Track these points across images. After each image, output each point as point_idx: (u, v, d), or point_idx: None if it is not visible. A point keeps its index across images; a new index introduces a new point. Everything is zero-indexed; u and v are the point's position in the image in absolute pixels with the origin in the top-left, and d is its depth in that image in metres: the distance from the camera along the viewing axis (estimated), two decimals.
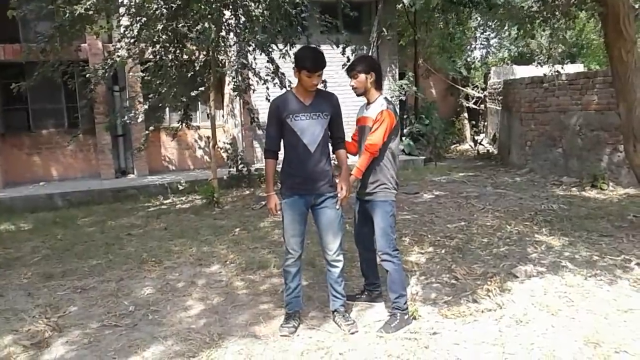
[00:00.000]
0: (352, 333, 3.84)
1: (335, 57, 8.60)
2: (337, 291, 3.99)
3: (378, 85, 3.99)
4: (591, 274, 4.77)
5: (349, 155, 4.10)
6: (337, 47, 8.50)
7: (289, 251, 3.90)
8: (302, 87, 3.79)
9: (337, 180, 3.88)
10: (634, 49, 5.77)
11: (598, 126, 9.28)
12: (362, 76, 3.90)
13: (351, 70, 3.95)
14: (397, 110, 4.05)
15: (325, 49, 8.41)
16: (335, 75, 8.31)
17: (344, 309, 4.05)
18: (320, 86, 3.85)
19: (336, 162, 3.99)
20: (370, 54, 12.80)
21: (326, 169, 3.84)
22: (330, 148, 3.97)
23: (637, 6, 6.68)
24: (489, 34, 16.77)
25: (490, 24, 13.57)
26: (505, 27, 10.85)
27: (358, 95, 4.02)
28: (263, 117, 11.84)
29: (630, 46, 5.72)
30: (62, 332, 4.06)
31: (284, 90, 8.15)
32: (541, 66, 9.23)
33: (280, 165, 3.91)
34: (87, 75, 8.12)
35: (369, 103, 4.01)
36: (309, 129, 3.76)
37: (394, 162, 4.00)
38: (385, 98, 4.01)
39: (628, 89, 5.78)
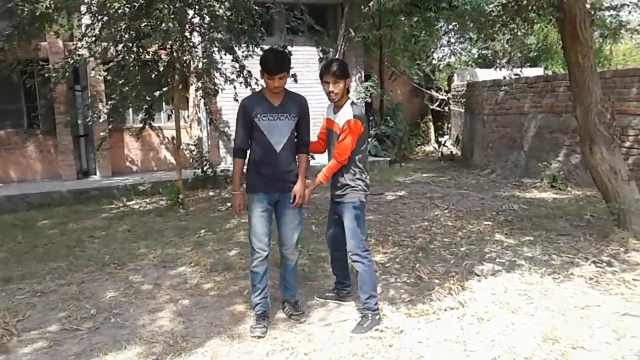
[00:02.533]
0: (300, 322, 4.02)
1: (300, 58, 8.66)
2: (290, 282, 4.18)
3: (347, 90, 4.04)
4: (550, 272, 4.90)
5: (314, 154, 4.16)
6: (310, 43, 8.48)
7: (256, 250, 3.94)
8: (268, 88, 3.86)
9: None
10: (590, 54, 5.94)
11: (557, 128, 9.54)
12: (342, 82, 3.91)
13: (332, 76, 3.88)
14: (364, 115, 4.08)
15: (295, 49, 8.50)
16: (301, 77, 8.32)
17: (294, 300, 4.20)
18: (290, 81, 3.89)
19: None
20: (337, 56, 12.87)
21: (291, 168, 3.93)
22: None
23: (592, 12, 6.87)
24: (452, 37, 17.03)
25: (452, 27, 13.78)
26: (467, 31, 11.04)
27: (334, 100, 4.00)
28: (229, 117, 11.89)
29: (587, 51, 5.90)
30: (21, 336, 3.96)
31: (249, 89, 8.14)
32: (501, 70, 9.42)
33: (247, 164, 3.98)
34: (47, 75, 7.94)
35: (337, 106, 4.03)
36: (276, 129, 3.83)
37: (364, 165, 4.06)
38: (353, 103, 4.04)
39: (584, 92, 5.96)
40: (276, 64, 3.76)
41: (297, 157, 4.01)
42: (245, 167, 3.99)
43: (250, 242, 4.00)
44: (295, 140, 3.99)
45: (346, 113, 3.92)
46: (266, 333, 3.89)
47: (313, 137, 4.15)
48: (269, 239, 3.97)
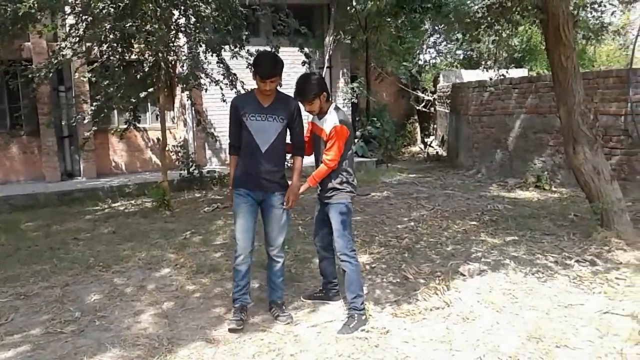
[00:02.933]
0: (288, 323, 4.02)
1: (287, 59, 8.63)
2: (276, 283, 4.17)
3: (328, 98, 4.04)
4: (534, 272, 4.94)
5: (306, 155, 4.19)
6: (295, 46, 8.49)
7: (239, 247, 3.99)
8: (259, 90, 3.90)
9: (288, 182, 4.05)
10: (573, 55, 6.00)
11: (541, 129, 9.62)
12: (316, 101, 3.93)
13: (305, 100, 3.91)
14: (349, 118, 4.10)
15: (280, 50, 8.47)
16: (287, 78, 8.30)
17: (281, 302, 4.22)
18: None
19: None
20: (325, 57, 12.88)
21: (275, 169, 3.96)
22: (288, 153, 4.11)
23: (575, 13, 6.95)
24: (438, 38, 17.13)
25: (438, 28, 13.87)
26: (453, 32, 11.11)
27: (314, 115, 4.04)
28: (215, 117, 11.84)
29: (570, 52, 5.96)
30: (4, 340, 3.92)
31: (234, 92, 8.11)
32: (487, 71, 9.50)
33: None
34: (30, 75, 7.85)
35: (320, 113, 4.04)
36: (263, 130, 3.88)
37: (351, 167, 4.09)
38: (336, 107, 4.05)
39: (568, 93, 6.02)
40: (269, 69, 3.80)
41: (291, 159, 4.10)
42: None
43: (235, 239, 4.04)
44: (288, 142, 4.06)
45: (331, 119, 3.95)
46: (242, 326, 3.94)
47: None
48: (253, 236, 4.02)
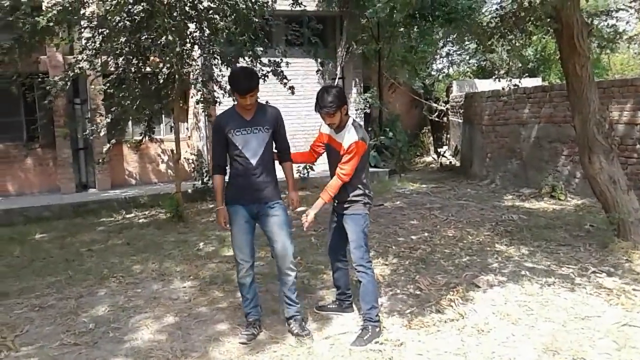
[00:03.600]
0: (308, 339, 3.95)
1: (300, 70, 8.69)
2: (291, 299, 4.09)
3: (347, 112, 4.04)
4: (550, 283, 4.88)
5: (309, 165, 4.19)
6: (309, 55, 8.56)
7: (239, 262, 4.01)
8: (240, 105, 3.92)
9: (287, 192, 4.10)
10: (587, 64, 5.96)
11: (555, 138, 9.55)
12: (338, 114, 3.91)
13: (326, 114, 3.88)
14: (366, 134, 4.09)
15: (294, 61, 8.54)
16: (300, 88, 8.35)
17: (300, 317, 4.14)
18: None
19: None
20: (338, 68, 12.90)
21: (267, 179, 3.97)
22: (277, 160, 4.13)
23: (590, 22, 6.91)
24: (450, 48, 17.13)
25: (450, 38, 13.86)
26: (465, 42, 11.09)
27: (333, 128, 4.02)
28: None
29: (584, 61, 5.92)
30: (19, 352, 3.94)
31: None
32: (499, 80, 9.47)
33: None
34: (47, 88, 7.96)
35: (338, 127, 4.02)
36: (250, 143, 3.90)
37: (366, 178, 4.08)
38: (354, 122, 4.04)
39: (583, 102, 5.97)
40: (246, 84, 3.81)
41: (281, 165, 4.11)
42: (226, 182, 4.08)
43: (234, 254, 4.05)
44: (275, 151, 4.07)
45: (352, 135, 3.93)
46: (253, 340, 3.93)
47: (292, 143, 4.17)
48: (251, 249, 4.03)
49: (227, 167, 4.08)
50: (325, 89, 3.98)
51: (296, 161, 4.29)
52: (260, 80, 8.01)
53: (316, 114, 3.98)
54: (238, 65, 8.33)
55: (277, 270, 4.13)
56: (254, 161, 3.89)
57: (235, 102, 4.01)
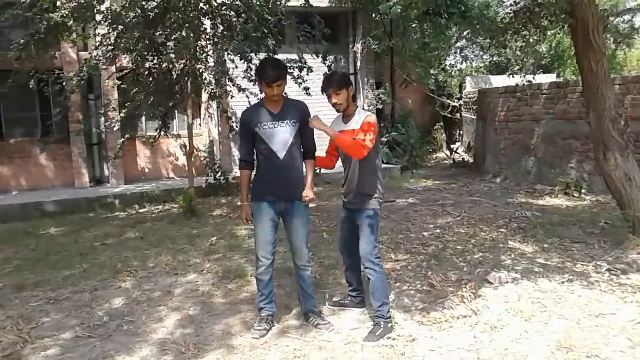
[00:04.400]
0: (330, 331, 3.97)
1: (313, 67, 8.69)
2: (309, 293, 4.14)
3: (354, 98, 4.06)
4: (564, 280, 4.85)
5: (324, 169, 4.20)
6: (317, 57, 8.58)
7: (260, 259, 4.01)
8: (267, 96, 3.90)
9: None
10: (603, 60, 5.91)
11: (570, 135, 9.47)
12: (344, 92, 3.93)
13: (332, 89, 3.91)
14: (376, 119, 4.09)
15: (306, 58, 8.54)
16: (313, 85, 8.35)
17: (319, 310, 4.19)
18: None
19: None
20: (356, 64, 12.90)
21: (296, 175, 3.96)
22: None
23: (605, 18, 6.84)
24: (464, 44, 17.03)
25: (464, 34, 13.80)
26: (479, 38, 11.03)
27: (341, 111, 4.04)
28: None
29: (600, 57, 5.86)
30: (35, 344, 3.99)
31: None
32: (514, 77, 9.40)
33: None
34: (63, 84, 8.03)
35: (346, 116, 4.04)
36: (277, 136, 3.88)
37: (379, 172, 4.07)
38: (364, 109, 4.07)
39: (598, 98, 5.91)
40: (274, 73, 3.81)
41: (304, 163, 4.05)
42: (253, 178, 4.07)
43: (256, 250, 4.06)
44: (301, 147, 4.03)
45: (362, 114, 3.96)
46: (265, 336, 3.95)
47: (322, 149, 4.16)
48: (273, 247, 4.03)
49: (254, 162, 4.06)
50: (331, 72, 4.02)
51: (317, 164, 4.23)
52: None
53: (331, 109, 3.99)
54: (252, 61, 8.36)
55: (293, 266, 4.15)
56: (281, 155, 3.88)
57: (261, 97, 4.01)
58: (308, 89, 8.28)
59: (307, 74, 8.36)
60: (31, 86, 7.80)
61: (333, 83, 3.93)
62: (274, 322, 4.13)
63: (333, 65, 8.67)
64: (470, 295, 4.55)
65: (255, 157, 4.05)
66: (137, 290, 5.08)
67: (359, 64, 12.96)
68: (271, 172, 3.92)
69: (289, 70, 8.25)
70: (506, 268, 5.26)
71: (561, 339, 3.71)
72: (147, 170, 12.32)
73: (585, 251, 5.75)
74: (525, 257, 5.63)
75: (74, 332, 4.18)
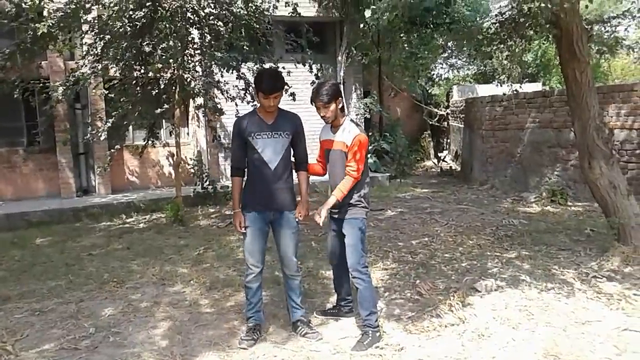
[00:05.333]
0: (318, 340, 3.97)
1: (300, 76, 8.71)
2: (297, 303, 4.14)
3: (342, 108, 4.07)
4: (550, 287, 4.88)
5: (317, 176, 4.21)
6: (304, 65, 8.60)
7: (249, 267, 4.02)
8: (262, 107, 3.91)
9: (298, 200, 4.04)
10: (587, 70, 5.97)
11: (555, 143, 9.56)
12: (332, 105, 3.94)
13: (321, 103, 3.92)
14: (364, 131, 4.11)
15: (293, 67, 8.57)
16: (300, 94, 8.36)
17: (307, 320, 4.17)
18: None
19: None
20: (339, 73, 12.94)
21: (286, 186, 3.97)
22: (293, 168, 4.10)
23: (589, 28, 6.93)
24: (450, 53, 17.17)
25: (450, 44, 13.93)
26: (464, 48, 11.13)
27: (329, 123, 4.05)
28: (231, 134, 11.91)
29: (584, 67, 5.93)
30: (19, 356, 3.94)
31: (252, 106, 8.18)
32: (500, 85, 9.49)
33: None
34: (49, 93, 7.97)
35: (334, 126, 4.06)
36: (270, 147, 3.90)
37: (366, 182, 4.08)
38: (352, 120, 4.09)
39: (582, 107, 5.98)
40: (271, 84, 3.83)
41: (296, 174, 4.09)
42: (243, 186, 4.06)
43: (245, 258, 4.05)
44: (293, 158, 4.06)
45: (351, 130, 3.97)
46: (253, 345, 3.92)
47: (311, 156, 4.17)
48: (263, 255, 4.03)
49: (245, 170, 4.07)
50: (320, 82, 4.04)
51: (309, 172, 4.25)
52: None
53: (318, 119, 4.00)
54: (240, 70, 8.37)
55: (282, 275, 4.14)
56: (272, 166, 3.90)
57: (256, 106, 4.04)
58: (294, 94, 8.27)
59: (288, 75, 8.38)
60: (15, 95, 7.73)
61: (321, 96, 3.92)
62: (262, 332, 4.11)
63: (320, 73, 8.67)
64: (457, 303, 4.56)
65: (246, 165, 4.05)
66: (124, 301, 5.03)
67: (342, 73, 12.99)
68: (262, 182, 3.93)
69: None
70: (493, 276, 5.29)
71: (548, 347, 3.73)
72: (134, 180, 12.24)
73: (571, 258, 5.80)
74: (512, 264, 5.66)
75: (58, 343, 4.13)
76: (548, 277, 5.17)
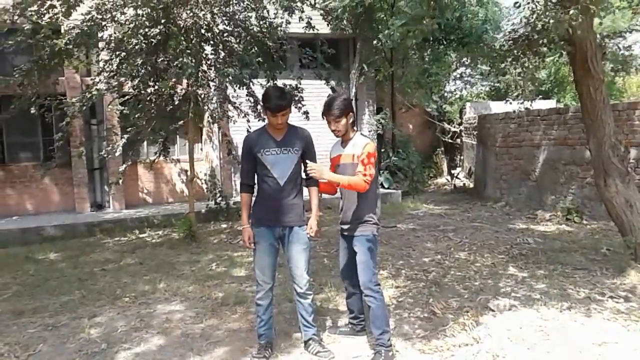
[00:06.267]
0: (330, 359, 3.94)
1: (313, 92, 8.76)
2: (308, 321, 4.09)
3: (353, 123, 4.08)
4: (566, 307, 4.81)
5: (328, 194, 4.19)
6: (320, 79, 8.65)
7: (260, 283, 4.01)
8: (271, 124, 3.94)
9: (308, 216, 4.02)
10: (602, 87, 5.94)
11: (570, 160, 9.48)
12: (343, 119, 3.96)
13: (332, 117, 3.94)
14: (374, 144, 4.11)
15: (307, 83, 8.63)
16: (314, 110, 8.40)
17: (318, 338, 4.13)
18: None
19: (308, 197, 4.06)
20: (352, 90, 12.99)
21: (296, 202, 3.97)
22: (303, 183, 4.09)
23: (603, 44, 6.90)
24: (464, 70, 17.19)
25: (464, 60, 13.96)
26: (478, 64, 11.14)
27: (339, 137, 4.06)
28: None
29: (599, 84, 5.90)
30: None
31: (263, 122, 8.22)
32: (511, 103, 9.44)
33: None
34: (65, 109, 8.07)
35: (344, 141, 4.06)
36: (279, 164, 3.91)
37: (376, 198, 4.06)
38: (361, 134, 4.10)
39: (597, 125, 5.94)
40: (278, 102, 3.84)
41: (307, 189, 4.06)
42: (253, 202, 4.06)
43: (255, 275, 4.05)
44: (303, 173, 4.03)
45: (361, 141, 3.98)
46: None
47: None
48: (273, 272, 4.02)
49: (254, 186, 4.07)
50: (331, 96, 4.04)
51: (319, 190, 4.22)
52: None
53: (330, 134, 4.01)
54: (253, 86, 8.43)
55: (294, 293, 4.10)
56: (282, 182, 3.90)
57: (265, 122, 4.05)
58: (307, 112, 8.32)
59: (301, 92, 8.44)
60: (32, 111, 7.84)
61: (333, 111, 3.94)
62: (273, 350, 4.08)
63: (335, 90, 8.72)
64: (471, 323, 4.50)
65: (255, 181, 4.06)
66: (136, 317, 5.03)
67: (353, 90, 13.05)
68: (271, 198, 3.93)
69: (293, 92, 8.36)
70: (507, 295, 5.23)
71: None
72: (147, 195, 12.32)
73: (587, 278, 5.71)
74: (527, 283, 5.59)
75: (71, 359, 4.13)
76: (564, 297, 5.10)
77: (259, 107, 8.51)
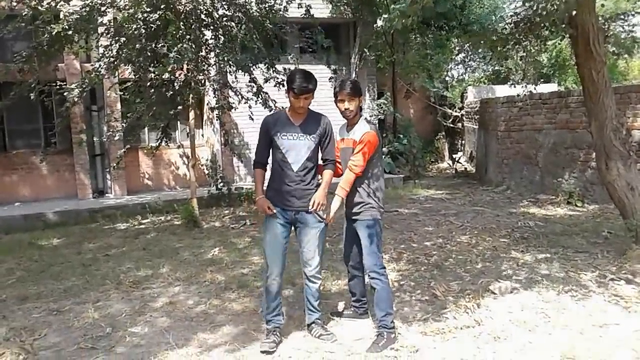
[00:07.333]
0: (333, 342, 3.95)
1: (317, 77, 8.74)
2: (314, 306, 4.09)
3: (360, 108, 4.09)
4: (567, 290, 4.83)
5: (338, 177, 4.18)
6: (321, 62, 8.63)
7: (269, 265, 3.97)
8: (292, 107, 3.90)
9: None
10: (604, 70, 5.91)
11: (572, 144, 9.47)
12: (356, 100, 3.96)
13: (348, 94, 3.93)
14: (378, 131, 4.10)
15: (306, 68, 8.59)
16: (316, 96, 8.38)
17: (321, 322, 4.14)
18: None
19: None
20: (352, 74, 12.94)
21: (309, 188, 3.93)
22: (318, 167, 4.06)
23: (606, 27, 6.86)
24: (465, 55, 17.08)
25: (465, 46, 13.87)
26: (480, 49, 11.08)
27: (350, 118, 4.04)
28: (246, 135, 11.98)
29: (601, 67, 5.87)
30: (37, 355, 3.98)
31: (268, 109, 8.20)
32: (514, 86, 9.39)
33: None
34: (65, 94, 8.07)
35: (350, 125, 4.07)
36: (294, 148, 3.87)
37: (380, 182, 4.07)
38: (366, 119, 4.10)
39: (599, 108, 5.92)
40: (303, 84, 3.79)
41: (321, 173, 4.03)
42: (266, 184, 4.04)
43: (265, 259, 4.03)
44: (320, 159, 4.03)
45: (363, 127, 3.98)
46: (275, 348, 3.89)
47: None
48: (283, 256, 3.98)
49: (267, 164, 4.04)
50: (343, 78, 4.04)
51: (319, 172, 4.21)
52: (275, 88, 8.15)
53: (332, 120, 4.00)
54: (252, 73, 8.39)
55: (304, 276, 4.11)
56: (296, 167, 3.87)
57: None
58: None
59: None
60: (32, 98, 7.83)
61: (349, 89, 3.93)
62: (281, 335, 4.07)
63: (337, 72, 8.70)
64: (473, 305, 4.53)
65: (267, 161, 4.04)
66: (140, 301, 5.07)
67: (354, 74, 13.00)
68: (284, 182, 3.90)
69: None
70: (509, 278, 5.25)
71: (565, 350, 3.69)
72: (149, 181, 12.33)
73: (589, 261, 5.73)
74: (528, 266, 5.61)
75: (76, 343, 4.16)
76: (565, 280, 5.12)
77: (262, 94, 8.48)
